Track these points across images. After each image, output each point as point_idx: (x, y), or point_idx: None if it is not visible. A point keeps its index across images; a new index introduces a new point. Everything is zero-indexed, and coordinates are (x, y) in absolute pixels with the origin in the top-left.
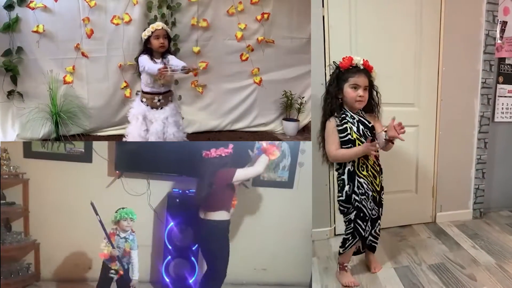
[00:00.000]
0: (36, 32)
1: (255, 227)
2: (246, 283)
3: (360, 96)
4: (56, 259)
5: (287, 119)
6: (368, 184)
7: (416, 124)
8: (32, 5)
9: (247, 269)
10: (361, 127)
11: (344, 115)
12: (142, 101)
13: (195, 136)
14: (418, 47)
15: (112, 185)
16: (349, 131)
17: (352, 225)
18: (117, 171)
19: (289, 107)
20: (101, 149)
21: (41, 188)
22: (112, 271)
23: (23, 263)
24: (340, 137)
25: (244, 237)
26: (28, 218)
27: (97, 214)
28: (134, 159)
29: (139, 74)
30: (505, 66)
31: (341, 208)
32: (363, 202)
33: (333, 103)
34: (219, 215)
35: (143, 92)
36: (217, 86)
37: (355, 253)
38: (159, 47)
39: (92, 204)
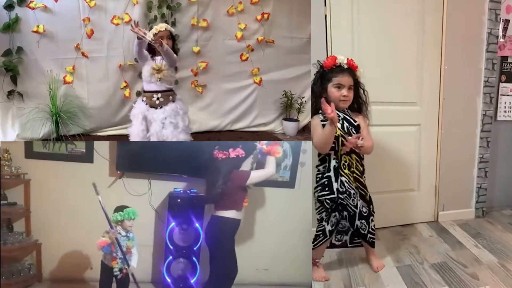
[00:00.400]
0: (36, 32)
1: (257, 227)
2: (248, 283)
3: (344, 95)
4: (58, 259)
5: (287, 119)
6: (350, 182)
7: (418, 123)
8: (32, 5)
9: (249, 269)
10: (345, 124)
11: None
12: (142, 100)
13: (195, 136)
14: (420, 46)
15: (114, 185)
16: None
17: (325, 224)
18: (118, 171)
19: (289, 107)
20: (102, 149)
21: (43, 189)
22: (116, 270)
23: (25, 263)
24: None
25: (246, 237)
26: (29, 219)
27: (97, 194)
28: (135, 159)
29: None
30: (508, 65)
31: (327, 205)
32: (345, 201)
33: (318, 102)
34: (230, 214)
35: (144, 91)
36: (217, 86)
37: (338, 246)
38: None
39: (94, 185)
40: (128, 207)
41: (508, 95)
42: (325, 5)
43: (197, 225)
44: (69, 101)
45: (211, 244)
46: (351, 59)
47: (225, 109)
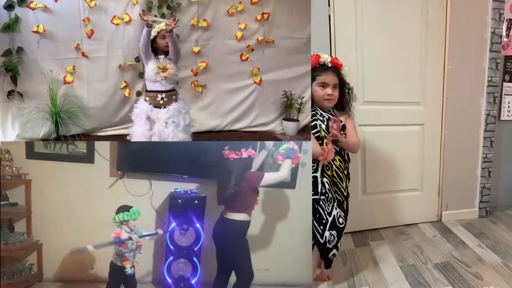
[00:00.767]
0: (36, 32)
1: (258, 228)
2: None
3: (328, 94)
4: (59, 260)
5: (287, 119)
6: (331, 185)
7: (421, 122)
8: (32, 5)
9: None
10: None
11: (314, 113)
12: (145, 100)
13: (195, 136)
14: (423, 46)
15: (114, 185)
16: (318, 128)
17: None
18: (118, 172)
19: (289, 107)
20: (103, 149)
21: (44, 189)
22: (127, 269)
23: (26, 263)
24: (313, 133)
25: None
26: (30, 219)
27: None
28: (136, 160)
29: (142, 74)
30: (511, 64)
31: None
32: (321, 203)
33: None
34: (240, 216)
35: (147, 91)
36: (217, 86)
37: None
38: (165, 46)
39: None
40: (131, 207)
41: (511, 95)
42: (329, 5)
43: (197, 225)
44: (69, 101)
45: (220, 246)
46: (336, 57)
47: (225, 109)
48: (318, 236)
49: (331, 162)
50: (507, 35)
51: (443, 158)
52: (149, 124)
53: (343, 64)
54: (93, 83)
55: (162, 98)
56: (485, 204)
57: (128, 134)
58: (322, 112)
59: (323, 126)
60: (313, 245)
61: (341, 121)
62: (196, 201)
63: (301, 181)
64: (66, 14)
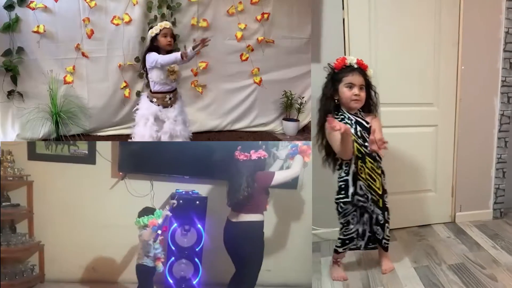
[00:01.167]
0: (37, 32)
1: None
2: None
3: (355, 94)
4: (61, 260)
5: (287, 119)
6: (366, 187)
7: (435, 124)
8: (32, 5)
9: None
10: (358, 128)
11: (342, 116)
12: (152, 101)
13: (195, 136)
14: (437, 46)
15: (116, 186)
16: None
17: (351, 227)
18: (120, 172)
19: (289, 107)
20: (104, 150)
21: (45, 190)
22: (159, 267)
23: (28, 264)
24: None
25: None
26: (32, 220)
27: None
28: (137, 160)
29: (145, 73)
30: None
31: (340, 210)
32: (360, 204)
33: (328, 104)
34: (253, 217)
35: (153, 92)
36: (217, 86)
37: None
38: (166, 45)
39: None
40: (154, 209)
41: None
42: (343, 9)
43: (199, 226)
44: (69, 101)
45: (239, 251)
46: (361, 59)
47: (225, 109)
48: (347, 236)
49: (364, 165)
50: None
51: (456, 159)
52: (157, 125)
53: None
54: (93, 83)
55: (170, 98)
56: (499, 205)
57: (129, 136)
58: (350, 115)
59: (352, 130)
60: (343, 249)
61: (368, 122)
62: (197, 202)
63: (302, 181)
64: (66, 14)
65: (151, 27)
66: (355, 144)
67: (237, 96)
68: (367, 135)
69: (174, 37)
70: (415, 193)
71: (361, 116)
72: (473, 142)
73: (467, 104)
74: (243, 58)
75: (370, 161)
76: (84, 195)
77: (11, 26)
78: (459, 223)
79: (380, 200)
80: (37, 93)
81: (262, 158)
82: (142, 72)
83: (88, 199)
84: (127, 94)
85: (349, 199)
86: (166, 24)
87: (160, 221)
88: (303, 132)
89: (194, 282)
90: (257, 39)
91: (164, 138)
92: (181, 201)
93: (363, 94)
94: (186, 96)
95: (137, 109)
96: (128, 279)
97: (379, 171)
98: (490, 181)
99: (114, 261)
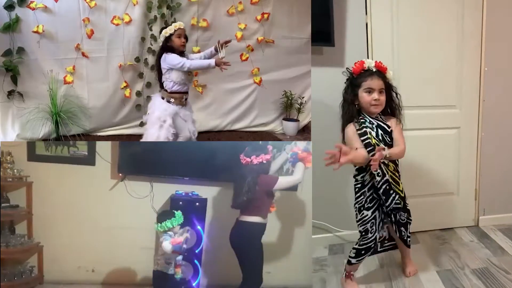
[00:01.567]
0: (37, 32)
1: None
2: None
3: (375, 99)
4: (60, 262)
5: (287, 119)
6: (390, 189)
7: (457, 126)
8: (32, 5)
9: None
10: (380, 132)
11: (363, 120)
12: (169, 102)
13: None
14: (459, 48)
15: (115, 187)
16: (368, 135)
17: (369, 236)
18: (120, 174)
19: (289, 107)
20: (104, 151)
21: (45, 191)
22: (179, 275)
23: (27, 265)
24: (362, 141)
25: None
26: (31, 221)
27: None
28: (136, 162)
29: (157, 73)
30: None
31: (360, 216)
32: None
33: (350, 110)
34: (255, 218)
35: (171, 92)
36: (217, 86)
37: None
38: (180, 45)
39: None
40: (172, 212)
41: None
42: (366, 14)
43: (198, 227)
44: (69, 101)
45: (238, 249)
46: (380, 61)
47: (225, 109)
48: (364, 246)
49: (387, 169)
50: None
51: (480, 162)
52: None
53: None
54: (93, 83)
55: (186, 99)
56: None
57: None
58: (371, 119)
59: (373, 134)
60: (357, 260)
61: (389, 126)
62: (197, 203)
63: (302, 183)
64: (66, 14)
65: (164, 27)
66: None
67: (237, 96)
68: (388, 139)
69: (186, 37)
70: (438, 196)
71: (382, 120)
72: (496, 144)
73: (490, 105)
74: (243, 58)
75: (392, 165)
76: (84, 197)
77: (11, 26)
78: (482, 226)
79: (402, 202)
80: (37, 93)
81: (265, 162)
82: (142, 72)
83: (87, 201)
84: (127, 94)
85: (363, 204)
86: (181, 24)
87: (182, 239)
88: (303, 132)
89: (194, 284)
90: (257, 39)
91: (183, 139)
92: (180, 202)
93: (382, 98)
94: None
95: (153, 111)
96: (128, 280)
97: (398, 175)
98: None
99: (114, 262)
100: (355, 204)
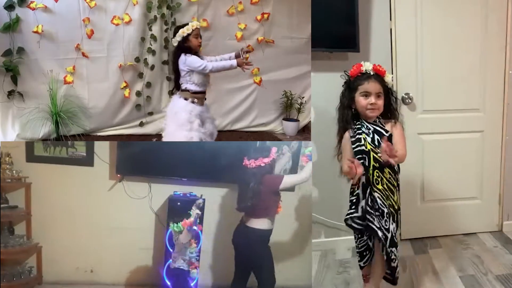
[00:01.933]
0: (37, 32)
1: None
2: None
3: (371, 104)
4: (58, 262)
5: (287, 119)
6: (384, 200)
7: (481, 129)
8: (32, 5)
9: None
10: (376, 137)
11: (359, 125)
12: (194, 102)
13: None
14: (483, 51)
15: (114, 188)
16: (362, 142)
17: (365, 238)
18: (118, 174)
19: (289, 107)
20: (102, 152)
21: (43, 192)
22: (193, 273)
23: (26, 266)
24: (353, 148)
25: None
26: (30, 222)
27: None
28: (134, 162)
29: (173, 73)
30: None
31: (355, 225)
32: (374, 219)
33: (345, 114)
34: (262, 223)
35: (194, 93)
36: (217, 86)
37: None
38: (197, 45)
39: None
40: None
41: None
42: (390, 19)
43: (195, 228)
44: (69, 101)
45: (242, 253)
46: (379, 65)
47: (225, 109)
48: (363, 247)
49: (382, 175)
50: None
51: (504, 166)
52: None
53: (386, 71)
54: (93, 83)
55: (205, 99)
56: None
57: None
58: (368, 124)
59: (368, 139)
60: (364, 263)
61: (387, 131)
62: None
63: (300, 184)
64: (66, 14)
65: (180, 27)
66: (372, 153)
67: (237, 96)
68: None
69: (201, 37)
70: (460, 200)
71: (379, 124)
72: None
73: None
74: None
75: (389, 172)
76: (82, 197)
77: (12, 26)
78: (506, 232)
79: (396, 215)
80: (37, 93)
81: (264, 164)
82: (142, 72)
83: (86, 201)
84: (127, 94)
85: (359, 214)
86: (198, 24)
87: (192, 219)
88: (303, 132)
89: (192, 284)
90: (257, 39)
91: (208, 139)
92: (178, 203)
93: (380, 102)
94: None
95: (181, 114)
96: (126, 281)
97: (396, 184)
98: None
99: (112, 263)
100: (352, 213)
